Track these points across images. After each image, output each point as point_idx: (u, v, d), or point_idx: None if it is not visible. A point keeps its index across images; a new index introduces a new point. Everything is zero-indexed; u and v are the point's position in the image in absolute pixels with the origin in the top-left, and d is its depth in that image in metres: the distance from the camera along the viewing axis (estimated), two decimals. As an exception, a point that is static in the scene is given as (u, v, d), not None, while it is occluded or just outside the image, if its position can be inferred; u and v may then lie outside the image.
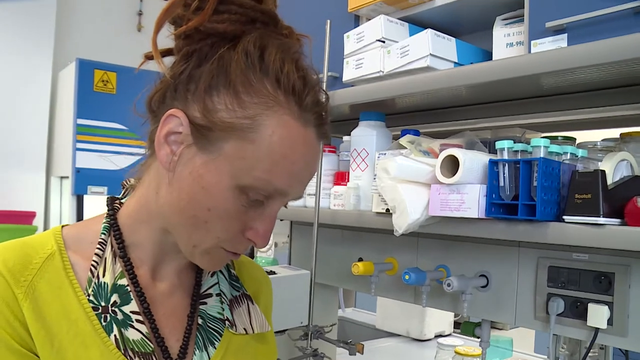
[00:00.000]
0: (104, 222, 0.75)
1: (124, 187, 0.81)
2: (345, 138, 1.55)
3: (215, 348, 0.77)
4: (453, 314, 2.25)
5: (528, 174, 0.97)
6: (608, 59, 0.89)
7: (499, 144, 1.03)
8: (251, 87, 0.65)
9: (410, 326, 2.15)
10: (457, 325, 2.31)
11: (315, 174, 1.26)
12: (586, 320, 1.03)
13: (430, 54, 1.13)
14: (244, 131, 0.64)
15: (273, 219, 0.71)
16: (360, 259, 1.52)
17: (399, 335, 2.19)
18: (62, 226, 0.76)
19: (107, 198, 0.79)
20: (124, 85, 3.02)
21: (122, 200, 0.79)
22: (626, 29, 0.89)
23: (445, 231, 1.13)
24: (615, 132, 1.57)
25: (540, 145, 0.97)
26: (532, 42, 1.00)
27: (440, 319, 2.18)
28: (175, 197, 0.69)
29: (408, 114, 1.56)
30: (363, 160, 1.39)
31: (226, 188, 0.66)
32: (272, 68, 0.66)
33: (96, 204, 3.06)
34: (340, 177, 1.48)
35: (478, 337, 1.32)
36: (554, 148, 0.98)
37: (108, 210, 0.76)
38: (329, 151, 1.50)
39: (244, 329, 0.81)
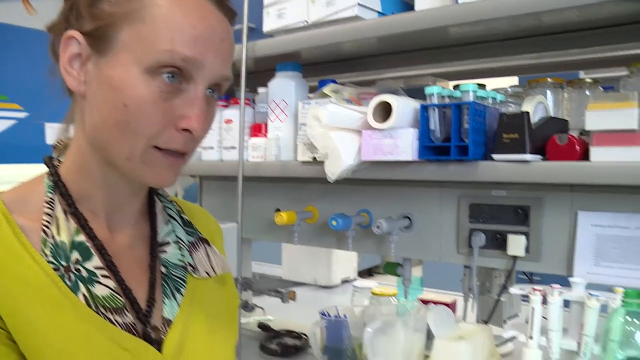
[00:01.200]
0: (47, 181, 0.70)
1: (56, 148, 0.76)
2: (260, 90, 1.53)
3: (182, 295, 0.76)
4: (356, 260, 2.35)
5: (458, 117, 1.03)
6: (534, 9, 0.97)
7: (428, 90, 1.07)
8: None
9: (317, 274, 2.22)
10: (359, 274, 2.43)
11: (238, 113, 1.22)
12: (506, 251, 1.14)
13: (358, 3, 1.14)
14: (132, 14, 0.63)
15: (201, 102, 0.67)
16: (278, 210, 1.53)
17: (307, 284, 2.25)
18: None
19: (44, 158, 0.74)
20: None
21: (59, 159, 0.74)
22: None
23: (376, 175, 1.17)
24: (513, 80, 1.70)
25: (469, 90, 1.03)
26: (459, -10, 1.05)
27: (344, 266, 2.27)
28: (96, 115, 0.66)
29: (318, 65, 1.57)
30: (282, 111, 1.39)
31: (135, 76, 0.63)
32: None
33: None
34: (257, 129, 1.46)
35: (399, 276, 1.40)
36: (481, 93, 1.05)
37: (49, 169, 0.72)
38: (246, 104, 1.47)
39: (206, 272, 0.80)
